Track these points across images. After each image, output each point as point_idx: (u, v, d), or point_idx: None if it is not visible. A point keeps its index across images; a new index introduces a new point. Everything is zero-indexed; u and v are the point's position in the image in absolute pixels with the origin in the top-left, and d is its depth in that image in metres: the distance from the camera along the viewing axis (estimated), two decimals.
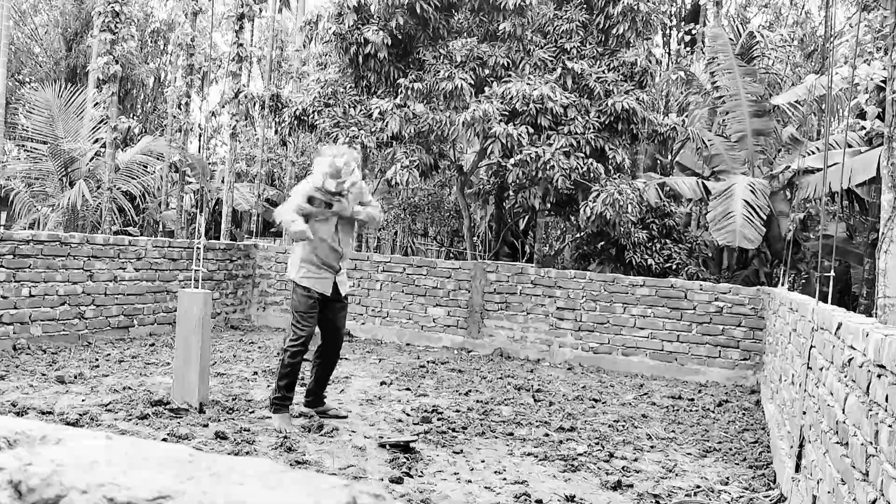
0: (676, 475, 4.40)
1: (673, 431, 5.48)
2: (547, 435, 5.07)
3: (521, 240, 12.74)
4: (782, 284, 7.62)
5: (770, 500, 3.98)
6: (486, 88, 8.90)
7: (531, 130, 8.79)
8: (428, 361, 7.67)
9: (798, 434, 3.65)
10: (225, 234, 15.96)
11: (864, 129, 9.92)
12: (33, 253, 6.76)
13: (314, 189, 4.85)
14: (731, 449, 5.08)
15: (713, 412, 6.25)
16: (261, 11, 16.11)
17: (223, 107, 17.38)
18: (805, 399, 3.64)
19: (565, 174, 8.64)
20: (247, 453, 4.15)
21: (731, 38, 12.57)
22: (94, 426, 4.46)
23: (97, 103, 15.78)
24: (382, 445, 4.49)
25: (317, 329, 5.02)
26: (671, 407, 6.34)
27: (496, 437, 4.94)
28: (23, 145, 16.64)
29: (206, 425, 4.63)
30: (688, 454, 4.90)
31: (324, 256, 4.89)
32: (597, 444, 4.94)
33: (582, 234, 10.93)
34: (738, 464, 4.75)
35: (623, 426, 5.51)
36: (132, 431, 4.41)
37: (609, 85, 9.10)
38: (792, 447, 3.80)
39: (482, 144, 9.37)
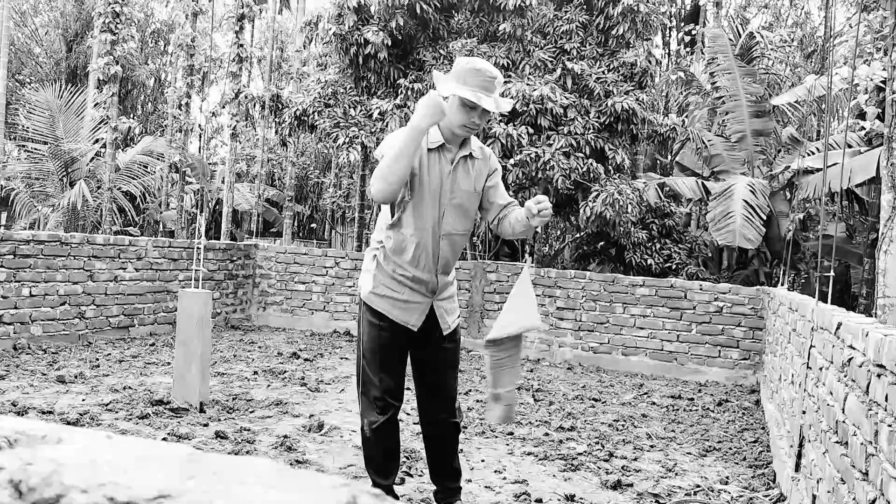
0: (676, 474, 4.40)
1: (673, 431, 5.48)
2: (547, 434, 5.07)
3: (520, 240, 12.74)
4: (782, 284, 7.62)
5: (770, 500, 3.99)
6: None
7: (531, 131, 8.79)
8: None
9: (798, 433, 3.66)
10: (225, 234, 15.97)
11: (864, 129, 9.92)
12: (34, 253, 6.77)
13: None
14: (730, 448, 5.08)
15: (713, 412, 6.25)
16: (261, 12, 16.13)
17: (223, 107, 17.40)
18: (805, 399, 3.64)
19: (565, 174, 8.65)
20: (247, 453, 4.15)
21: (730, 39, 12.57)
22: (94, 426, 4.46)
23: (97, 104, 15.79)
24: None
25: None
26: (671, 406, 6.34)
27: (496, 437, 4.94)
28: (23, 146, 16.64)
29: (206, 425, 4.63)
30: (688, 454, 4.91)
31: (414, 265, 3.05)
32: (597, 443, 4.94)
33: (582, 234, 10.93)
34: (737, 463, 4.75)
35: (623, 426, 5.51)
36: (132, 431, 4.41)
37: (609, 85, 9.10)
38: (791, 446, 3.80)
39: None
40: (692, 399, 6.75)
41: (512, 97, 8.59)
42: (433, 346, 3.16)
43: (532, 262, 2.87)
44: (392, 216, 3.04)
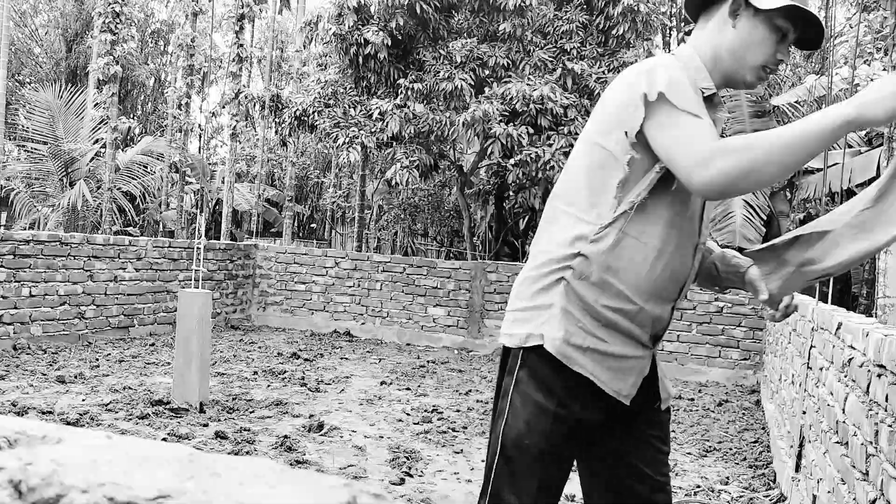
0: (676, 475, 4.40)
1: (673, 431, 5.48)
2: None
3: (521, 240, 12.73)
4: None
5: (770, 500, 3.99)
6: (486, 89, 8.90)
7: (531, 131, 8.79)
8: (428, 361, 7.67)
9: (798, 434, 3.66)
10: (225, 234, 15.97)
11: (864, 129, 9.92)
12: (34, 253, 6.77)
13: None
14: (731, 448, 5.08)
15: (713, 412, 6.25)
16: (261, 12, 16.13)
17: (223, 107, 17.41)
18: (805, 399, 3.64)
19: None
20: (247, 453, 4.15)
21: None
22: (94, 426, 4.46)
23: (97, 104, 15.79)
24: None
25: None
26: (671, 407, 6.34)
27: None
28: (23, 146, 16.64)
29: (206, 425, 4.63)
30: (688, 454, 4.90)
31: (649, 292, 1.67)
32: None
33: None
34: (738, 463, 4.75)
35: None
36: (132, 431, 4.41)
37: None
38: (792, 447, 3.80)
39: (482, 145, 9.37)
40: (692, 399, 6.75)
41: (512, 97, 8.59)
42: (633, 425, 1.81)
43: None
44: (618, 201, 1.63)
